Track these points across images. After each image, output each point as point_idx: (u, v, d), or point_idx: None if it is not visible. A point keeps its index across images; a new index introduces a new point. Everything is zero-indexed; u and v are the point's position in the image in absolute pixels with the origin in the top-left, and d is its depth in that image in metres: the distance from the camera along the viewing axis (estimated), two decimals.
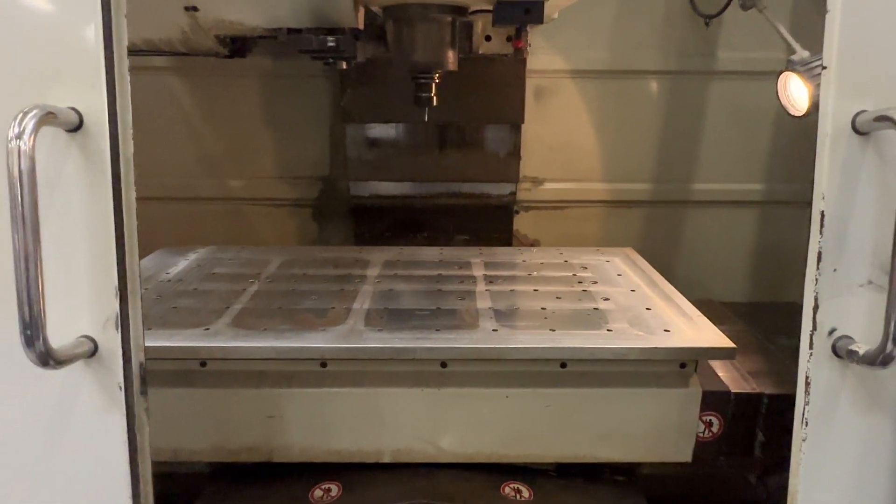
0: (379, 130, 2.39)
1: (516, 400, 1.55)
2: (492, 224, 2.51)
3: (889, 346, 0.98)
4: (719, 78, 2.63)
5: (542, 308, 1.70)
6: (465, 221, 2.50)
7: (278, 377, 1.54)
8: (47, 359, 0.94)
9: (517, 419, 1.56)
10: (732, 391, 1.57)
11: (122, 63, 1.00)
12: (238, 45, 1.90)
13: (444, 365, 1.54)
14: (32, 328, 0.91)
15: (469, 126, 2.42)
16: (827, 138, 1.05)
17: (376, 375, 1.54)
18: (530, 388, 1.54)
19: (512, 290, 1.84)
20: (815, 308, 1.08)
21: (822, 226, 1.06)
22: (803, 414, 1.11)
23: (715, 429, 1.59)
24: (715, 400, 1.56)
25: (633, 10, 2.51)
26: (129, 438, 1.07)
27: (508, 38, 2.24)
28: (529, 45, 2.32)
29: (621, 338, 1.48)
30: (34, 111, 0.90)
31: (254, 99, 2.47)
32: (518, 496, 1.53)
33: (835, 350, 1.08)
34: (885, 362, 0.98)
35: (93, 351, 1.02)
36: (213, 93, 2.48)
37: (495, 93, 2.35)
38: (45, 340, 0.92)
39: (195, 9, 1.66)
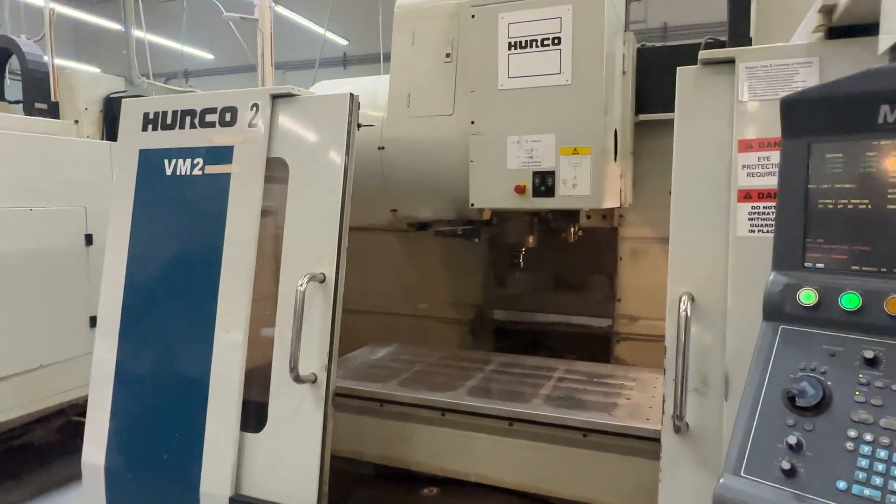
0: (512, 275, 3.50)
1: (555, 453, 2.42)
2: (594, 349, 3.39)
3: (674, 423, 1.79)
4: None
5: (580, 398, 2.60)
6: (573, 345, 3.42)
7: (419, 417, 2.63)
8: (297, 379, 2.20)
9: (555, 466, 2.43)
10: None
11: (343, 250, 2.30)
12: (420, 224, 3.21)
13: (511, 424, 2.52)
14: (293, 365, 2.19)
15: (577, 275, 3.43)
16: (669, 302, 1.92)
17: (470, 425, 2.55)
18: (564, 447, 2.42)
19: (569, 387, 2.76)
20: (664, 401, 1.91)
21: (666, 353, 1.91)
22: (661, 465, 1.92)
23: None
24: None
25: None
26: (323, 425, 2.27)
27: (604, 217, 3.26)
28: (622, 216, 3.30)
29: (609, 419, 2.34)
30: (308, 276, 2.22)
31: (435, 250, 3.72)
32: None
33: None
34: (676, 430, 1.80)
35: (314, 380, 2.27)
36: (410, 246, 3.79)
37: (595, 253, 3.34)
38: (298, 371, 2.19)
39: (395, 210, 3.02)
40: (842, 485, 1.05)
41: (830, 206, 1.23)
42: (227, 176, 2.48)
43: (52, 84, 4.65)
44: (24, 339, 3.82)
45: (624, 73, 2.88)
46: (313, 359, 2.27)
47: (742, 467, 1.14)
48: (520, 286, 3.52)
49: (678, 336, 1.79)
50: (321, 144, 2.38)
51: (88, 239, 4.16)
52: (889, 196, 1.16)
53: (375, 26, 13.78)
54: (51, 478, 4.19)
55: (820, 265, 1.25)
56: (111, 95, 4.87)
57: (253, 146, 2.44)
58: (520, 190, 2.53)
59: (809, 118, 1.23)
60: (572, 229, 2.82)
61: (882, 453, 1.04)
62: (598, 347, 3.40)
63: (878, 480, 1.02)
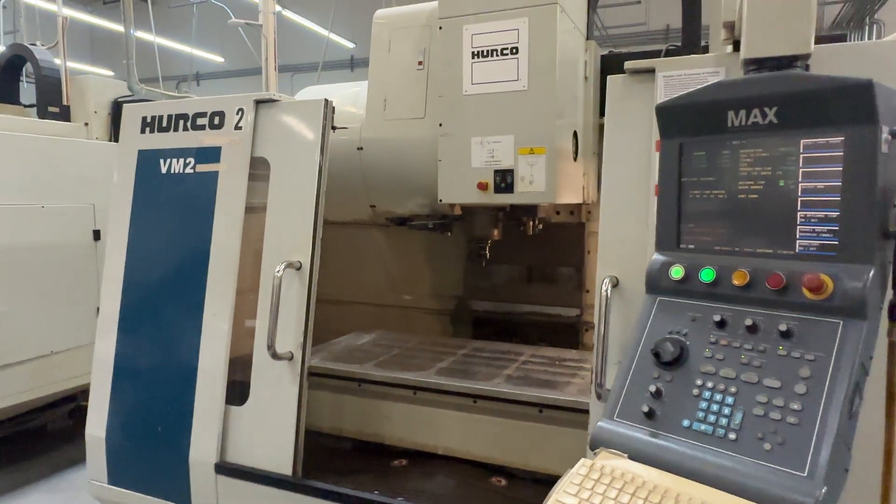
0: (489, 268, 3.73)
1: (515, 427, 2.65)
2: (564, 336, 3.61)
3: (597, 391, 2.02)
4: None
5: (538, 378, 2.83)
6: (544, 333, 3.64)
7: (393, 396, 2.88)
8: (275, 356, 2.46)
9: (515, 439, 2.66)
10: None
11: (318, 241, 2.55)
12: (399, 219, 3.45)
13: (475, 401, 2.76)
14: (271, 343, 2.44)
15: (548, 267, 3.65)
16: (596, 285, 2.15)
17: (438, 402, 2.79)
18: (522, 421, 2.65)
19: (531, 369, 2.98)
20: (591, 373, 2.14)
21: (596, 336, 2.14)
22: (588, 430, 2.14)
23: None
24: None
25: None
26: (298, 398, 2.52)
27: (571, 213, 3.48)
28: (589, 212, 3.52)
29: (554, 394, 2.57)
30: (284, 263, 2.47)
31: (419, 244, 3.97)
32: (498, 483, 2.64)
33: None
34: (598, 398, 2.02)
35: (291, 357, 2.52)
36: (396, 240, 4.02)
37: (563, 246, 3.57)
38: (275, 349, 2.45)
39: (374, 206, 3.27)
40: (685, 423, 1.27)
41: (698, 196, 1.45)
42: (216, 174, 2.74)
43: (63, 89, 4.96)
44: (36, 327, 4.12)
45: (586, 78, 3.10)
46: (290, 338, 2.52)
47: (616, 413, 1.38)
48: (496, 278, 3.75)
49: (599, 313, 2.01)
50: (299, 145, 2.63)
51: (96, 234, 4.46)
52: (739, 187, 1.39)
53: None
54: (62, 459, 4.49)
55: (691, 246, 1.47)
56: (119, 99, 5.16)
57: (238, 147, 2.70)
58: (482, 186, 2.76)
59: (680, 122, 1.46)
60: (531, 223, 3.05)
61: (717, 397, 1.27)
62: (568, 335, 3.62)
63: (711, 418, 1.25)
